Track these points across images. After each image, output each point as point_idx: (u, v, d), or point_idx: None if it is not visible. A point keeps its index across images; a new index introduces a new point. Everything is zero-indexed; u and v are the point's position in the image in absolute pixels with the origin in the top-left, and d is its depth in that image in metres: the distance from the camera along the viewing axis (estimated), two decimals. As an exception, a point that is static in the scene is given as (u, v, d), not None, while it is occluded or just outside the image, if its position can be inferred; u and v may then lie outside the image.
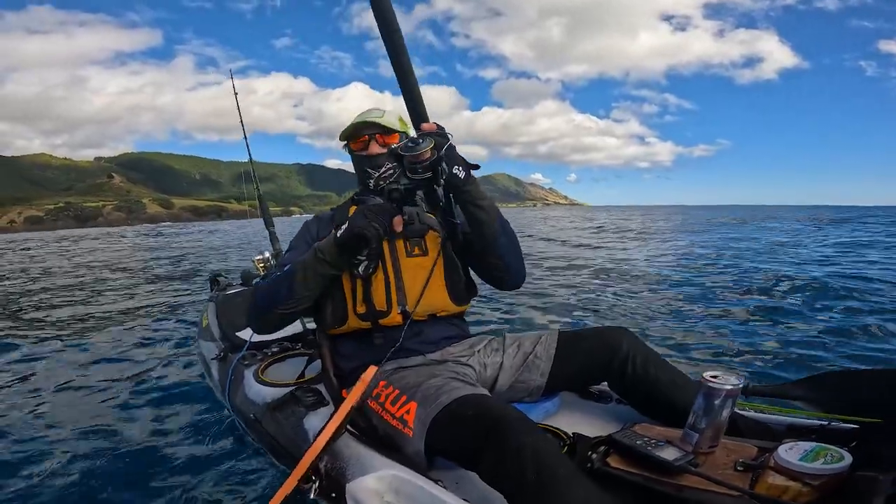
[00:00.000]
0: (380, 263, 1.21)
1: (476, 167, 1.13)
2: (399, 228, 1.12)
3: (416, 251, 1.25)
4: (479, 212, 1.15)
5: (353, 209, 1.32)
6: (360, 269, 1.18)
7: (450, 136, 1.07)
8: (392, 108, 1.37)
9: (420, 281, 1.21)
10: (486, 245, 1.22)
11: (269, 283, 1.21)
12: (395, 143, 1.29)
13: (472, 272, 1.35)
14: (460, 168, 1.08)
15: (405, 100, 1.18)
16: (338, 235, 1.11)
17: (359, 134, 1.31)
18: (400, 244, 1.25)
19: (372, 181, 1.30)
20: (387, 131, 1.30)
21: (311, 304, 1.20)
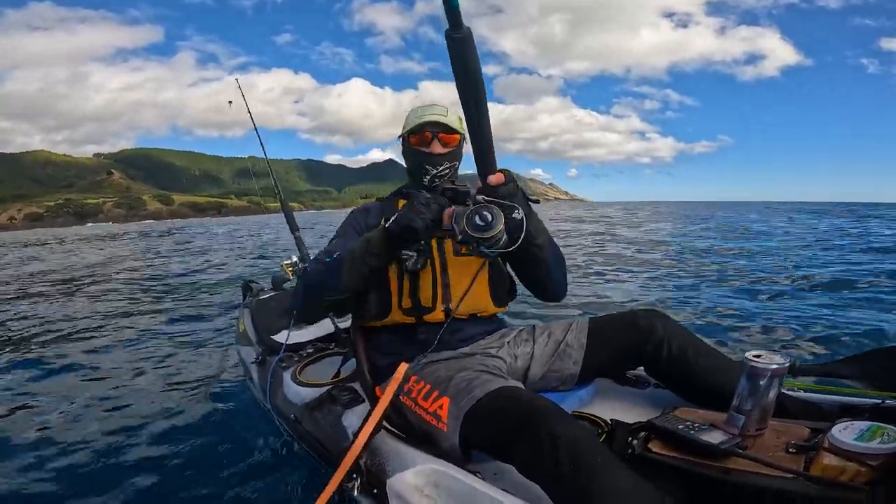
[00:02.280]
0: (428, 260, 1.22)
1: (536, 202, 1.11)
2: (448, 222, 1.07)
3: (464, 250, 1.24)
4: (534, 249, 1.13)
5: (401, 203, 1.33)
6: (409, 263, 1.18)
7: (513, 178, 1.01)
8: (444, 103, 1.36)
9: (466, 280, 1.21)
10: (534, 270, 1.21)
11: (317, 270, 1.19)
12: (455, 143, 1.32)
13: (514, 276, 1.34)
14: (519, 210, 1.01)
15: (474, 146, 0.98)
16: (387, 227, 1.09)
17: (422, 130, 1.30)
18: (448, 242, 1.25)
19: (428, 178, 1.31)
20: (450, 131, 1.31)
21: (357, 294, 1.20)
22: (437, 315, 1.20)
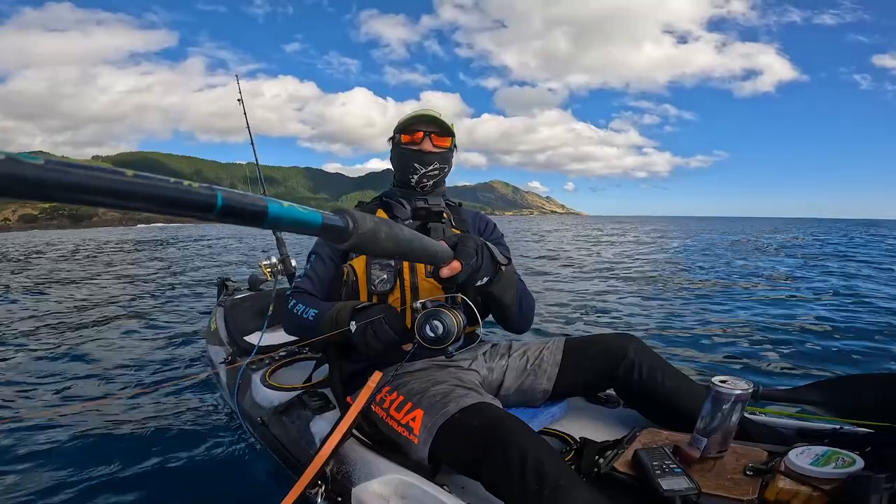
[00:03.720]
0: (397, 281, 1.21)
1: (507, 263, 1.02)
2: (406, 349, 1.08)
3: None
4: (499, 305, 1.11)
5: (378, 213, 1.31)
6: (378, 284, 1.20)
7: (476, 248, 0.90)
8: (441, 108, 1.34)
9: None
10: (497, 315, 1.22)
11: (298, 321, 1.19)
12: (446, 146, 1.30)
13: None
14: (485, 279, 0.95)
15: (416, 256, 0.74)
16: (352, 330, 1.03)
17: (415, 128, 1.27)
18: (420, 264, 1.23)
19: (416, 176, 1.28)
20: (443, 132, 1.29)
21: None
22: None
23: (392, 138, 1.34)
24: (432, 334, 0.97)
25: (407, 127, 1.28)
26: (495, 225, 1.44)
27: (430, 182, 1.31)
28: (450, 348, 1.00)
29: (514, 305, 1.15)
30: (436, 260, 0.79)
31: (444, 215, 1.29)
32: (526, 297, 1.23)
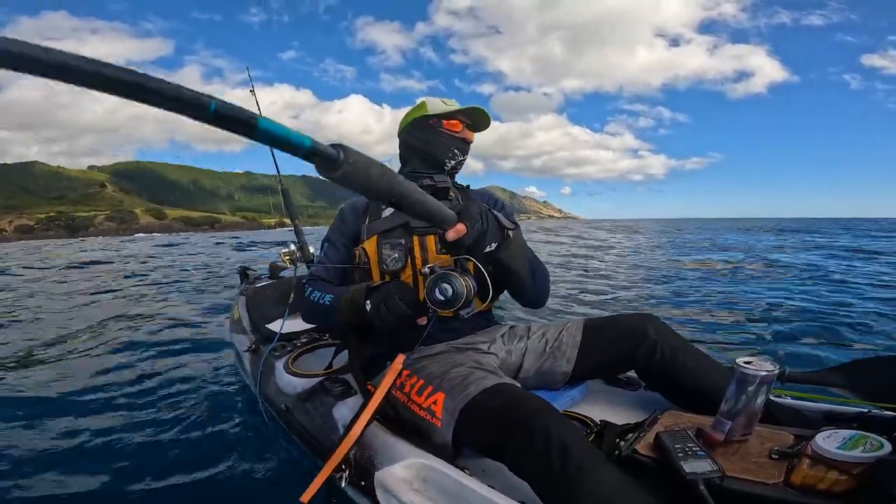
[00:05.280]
0: (408, 259, 1.22)
1: (513, 227, 1.04)
2: (422, 323, 1.07)
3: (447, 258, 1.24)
4: (509, 273, 1.10)
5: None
6: (390, 263, 1.21)
7: (480, 214, 0.94)
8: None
9: None
10: (511, 287, 1.23)
11: (315, 307, 1.23)
12: (472, 139, 1.36)
13: None
14: (493, 245, 0.98)
15: (418, 214, 0.77)
16: (367, 308, 1.07)
17: (460, 117, 1.32)
18: (430, 240, 1.25)
19: (454, 161, 1.34)
20: (479, 127, 1.38)
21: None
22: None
23: (427, 119, 1.32)
24: (442, 297, 0.97)
25: (453, 115, 1.32)
26: (504, 203, 1.45)
27: (459, 169, 1.38)
28: (461, 312, 1.00)
29: (526, 274, 1.15)
30: (438, 218, 0.82)
31: (452, 193, 1.30)
32: (538, 266, 1.23)
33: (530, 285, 1.20)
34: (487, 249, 0.97)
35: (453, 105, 1.33)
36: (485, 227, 0.94)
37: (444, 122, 1.31)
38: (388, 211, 1.30)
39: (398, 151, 1.42)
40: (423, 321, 1.07)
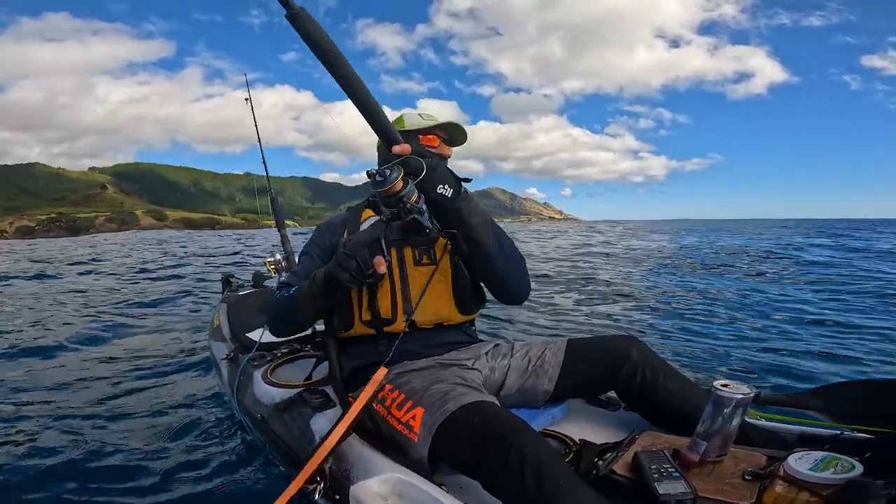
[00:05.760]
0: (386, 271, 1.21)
1: (468, 180, 1.08)
2: (382, 270, 1.06)
3: (425, 259, 1.24)
4: (471, 231, 1.09)
5: (366, 213, 1.33)
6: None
7: (430, 153, 1.01)
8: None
9: (427, 289, 1.21)
10: (480, 263, 1.18)
11: (278, 303, 1.23)
12: (449, 154, 1.36)
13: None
14: (446, 187, 1.01)
15: (368, 119, 1.00)
16: (324, 275, 1.10)
17: (432, 132, 1.31)
18: (408, 252, 1.24)
19: None
20: (456, 142, 1.37)
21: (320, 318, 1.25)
22: (399, 326, 1.19)
23: (404, 134, 1.29)
24: (380, 178, 0.97)
25: (430, 130, 1.31)
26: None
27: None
28: (419, 217, 1.01)
29: (493, 247, 1.14)
30: (385, 131, 0.99)
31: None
32: (509, 245, 1.20)
33: (502, 266, 1.18)
34: (440, 190, 1.00)
35: (431, 120, 1.32)
36: (434, 164, 0.99)
37: (421, 137, 1.31)
38: (367, 224, 1.30)
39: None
40: (381, 263, 1.04)
